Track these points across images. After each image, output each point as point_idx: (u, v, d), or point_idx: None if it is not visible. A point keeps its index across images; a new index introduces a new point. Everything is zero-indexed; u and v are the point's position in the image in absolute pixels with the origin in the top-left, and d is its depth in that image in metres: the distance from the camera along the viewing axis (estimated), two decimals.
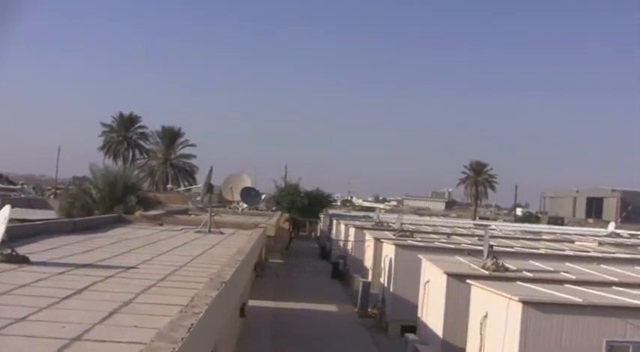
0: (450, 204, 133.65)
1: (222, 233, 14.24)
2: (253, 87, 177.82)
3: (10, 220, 7.55)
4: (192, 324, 4.01)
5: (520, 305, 8.14)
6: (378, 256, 18.85)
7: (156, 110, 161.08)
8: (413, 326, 13.50)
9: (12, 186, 60.18)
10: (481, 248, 12.36)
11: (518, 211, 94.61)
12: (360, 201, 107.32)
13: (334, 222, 35.79)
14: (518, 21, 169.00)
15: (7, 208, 7.57)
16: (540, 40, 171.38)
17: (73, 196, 26.35)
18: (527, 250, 17.20)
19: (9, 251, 7.30)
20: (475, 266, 11.46)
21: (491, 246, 12.31)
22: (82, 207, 23.46)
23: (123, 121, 76.01)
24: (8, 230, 7.38)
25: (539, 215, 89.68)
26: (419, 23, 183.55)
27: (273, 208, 34.57)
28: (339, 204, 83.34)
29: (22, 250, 7.82)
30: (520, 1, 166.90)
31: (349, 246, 26.30)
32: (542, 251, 17.37)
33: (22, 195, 42.90)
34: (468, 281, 10.20)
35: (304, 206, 38.19)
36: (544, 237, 27.75)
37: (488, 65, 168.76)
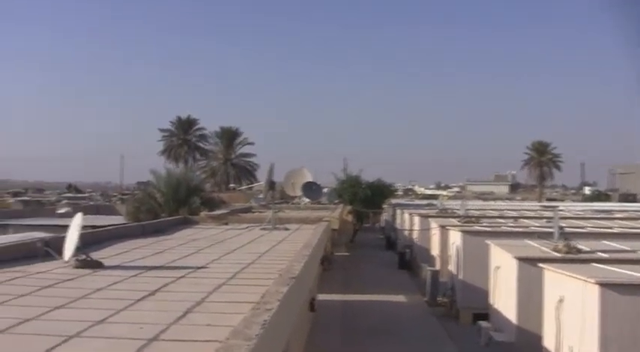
0: (514, 187, 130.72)
1: (287, 229, 14.33)
2: (304, 84, 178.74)
3: (83, 227, 7.84)
4: (265, 320, 4.02)
5: (597, 287, 7.73)
6: (444, 244, 18.56)
7: (211, 112, 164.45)
8: (485, 313, 13.21)
9: (81, 195, 62.62)
10: (551, 230, 11.95)
11: (587, 190, 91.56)
12: (422, 189, 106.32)
13: (398, 211, 35.43)
14: None
15: (79, 216, 7.89)
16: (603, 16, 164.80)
17: (138, 201, 27.13)
18: (600, 230, 16.52)
19: (83, 256, 7.57)
20: (546, 249, 11.09)
21: (561, 228, 11.88)
22: (148, 211, 24.13)
23: (181, 124, 77.81)
24: (81, 236, 7.66)
25: (609, 193, 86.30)
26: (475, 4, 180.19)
27: (335, 201, 34.57)
28: (401, 193, 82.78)
29: (95, 255, 8.10)
30: None
31: (414, 235, 26.02)
32: (616, 230, 16.68)
33: (91, 203, 44.40)
34: (539, 264, 9.86)
35: (367, 197, 37.89)
36: (617, 215, 26.67)
37: (541, 46, 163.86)
